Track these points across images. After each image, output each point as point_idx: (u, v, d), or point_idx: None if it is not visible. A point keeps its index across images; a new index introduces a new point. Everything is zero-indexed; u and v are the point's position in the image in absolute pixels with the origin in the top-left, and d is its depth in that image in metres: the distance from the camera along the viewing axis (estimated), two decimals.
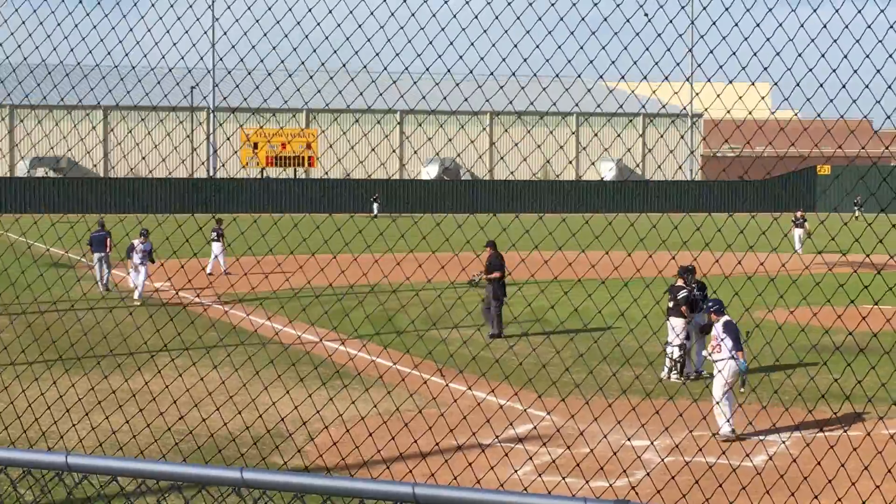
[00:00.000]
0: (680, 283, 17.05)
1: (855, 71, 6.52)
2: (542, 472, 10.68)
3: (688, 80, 7.09)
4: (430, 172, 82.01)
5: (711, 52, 6.66)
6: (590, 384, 13.53)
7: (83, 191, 66.84)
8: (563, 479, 9.74)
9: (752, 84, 6.53)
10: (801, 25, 6.67)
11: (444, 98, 7.70)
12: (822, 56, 6.49)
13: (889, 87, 6.48)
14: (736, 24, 6.62)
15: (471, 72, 7.18)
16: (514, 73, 7.23)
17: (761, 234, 8.38)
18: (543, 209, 65.72)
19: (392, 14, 7.36)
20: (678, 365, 16.74)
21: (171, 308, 19.88)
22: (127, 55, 8.25)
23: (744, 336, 13.38)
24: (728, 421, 12.92)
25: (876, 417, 12.99)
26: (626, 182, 78.54)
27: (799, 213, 42.16)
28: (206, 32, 8.11)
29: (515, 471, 10.02)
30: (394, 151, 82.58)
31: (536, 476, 10.61)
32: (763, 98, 6.84)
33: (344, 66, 7.90)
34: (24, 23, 8.53)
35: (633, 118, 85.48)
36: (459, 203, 71.31)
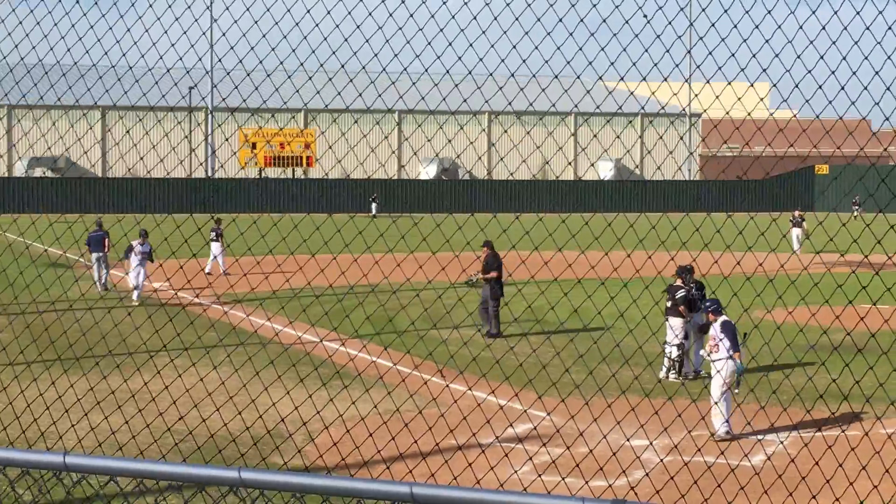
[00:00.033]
0: (678, 282, 17.06)
1: (854, 72, 6.53)
2: (541, 472, 10.69)
3: (687, 81, 7.09)
4: (428, 172, 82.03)
5: (710, 53, 6.67)
6: (589, 384, 13.54)
7: (81, 191, 66.82)
8: (563, 479, 9.75)
9: (751, 85, 6.54)
10: (801, 27, 6.68)
11: (444, 99, 7.71)
12: (821, 58, 6.50)
13: (888, 88, 6.49)
14: (735, 26, 6.63)
15: (470, 72, 7.19)
16: (513, 75, 7.24)
17: (760, 235, 8.39)
18: (542, 209, 65.77)
19: (390, 14, 7.37)
20: (676, 365, 16.75)
21: (171, 308, 19.88)
22: (124, 55, 8.25)
23: (741, 338, 13.39)
24: (726, 421, 12.93)
25: (874, 417, 13.00)
26: (624, 182, 78.60)
27: (797, 213, 42.17)
28: (204, 33, 8.11)
29: (515, 471, 10.03)
30: (393, 153, 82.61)
31: (536, 476, 10.61)
32: (762, 100, 6.86)
33: (343, 66, 7.91)
34: (21, 23, 8.54)
35: (633, 118, 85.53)
36: (458, 203, 71.33)
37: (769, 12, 6.55)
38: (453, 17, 7.25)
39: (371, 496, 3.60)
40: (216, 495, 8.57)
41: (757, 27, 6.66)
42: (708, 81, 6.87)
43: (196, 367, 12.60)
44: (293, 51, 7.74)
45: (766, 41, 6.72)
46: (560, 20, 7.01)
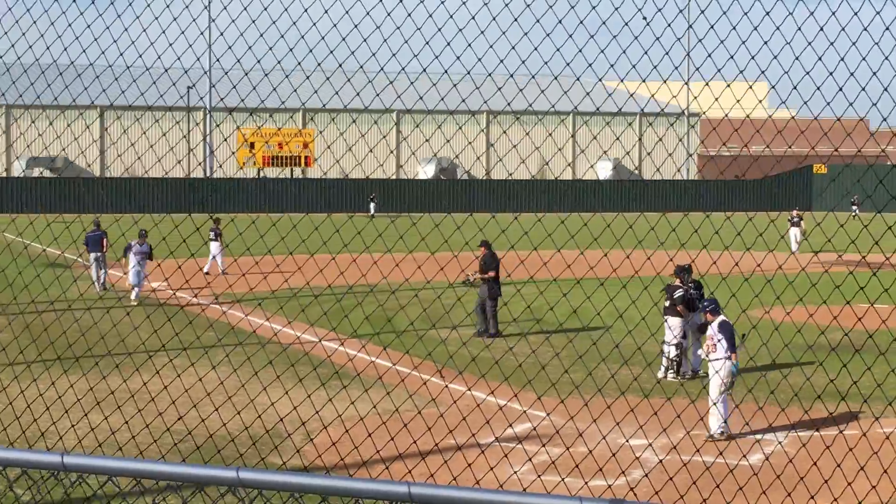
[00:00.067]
0: (676, 282, 17.08)
1: (851, 73, 6.54)
2: (541, 472, 10.70)
3: (686, 84, 7.10)
4: (427, 172, 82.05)
5: (710, 55, 6.67)
6: (588, 385, 13.55)
7: (79, 191, 66.80)
8: (563, 479, 9.76)
9: (751, 87, 6.55)
10: (799, 28, 6.69)
11: (442, 98, 7.72)
12: (820, 59, 6.51)
13: (885, 89, 6.51)
14: (734, 28, 6.64)
15: (468, 73, 7.20)
16: (511, 75, 7.25)
17: (759, 236, 8.40)
18: (541, 209, 65.80)
19: (388, 14, 7.37)
20: (675, 364, 16.76)
21: (169, 308, 19.88)
22: (122, 55, 8.25)
23: (739, 339, 13.39)
24: (724, 422, 12.94)
25: (872, 417, 13.02)
26: (623, 182, 78.68)
27: (795, 212, 42.21)
28: (202, 33, 8.11)
29: (515, 471, 10.04)
30: (392, 152, 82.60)
31: (535, 476, 10.62)
32: (760, 101, 6.87)
33: (340, 66, 7.91)
34: (17, 22, 8.54)
35: (632, 119, 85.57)
36: (456, 203, 71.36)
37: (767, 13, 6.56)
38: (451, 16, 7.26)
39: (369, 496, 3.61)
40: (215, 495, 8.58)
41: (755, 28, 6.67)
42: (707, 83, 6.88)
43: (195, 367, 12.60)
44: (290, 50, 7.75)
45: (765, 42, 6.73)
46: (560, 21, 7.02)
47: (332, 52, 7.71)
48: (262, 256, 12.63)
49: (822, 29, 6.74)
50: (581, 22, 6.94)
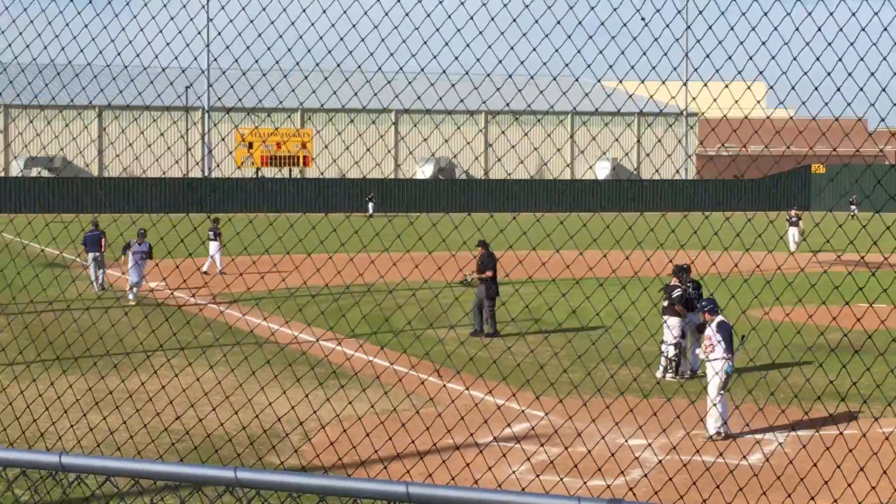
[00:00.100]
0: (675, 281, 17.09)
1: (849, 74, 6.54)
2: (539, 472, 10.70)
3: (685, 84, 7.10)
4: (425, 172, 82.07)
5: (708, 56, 6.67)
6: (587, 385, 13.54)
7: (78, 190, 66.77)
8: (561, 479, 9.76)
9: (749, 88, 6.54)
10: (797, 28, 6.69)
11: (440, 99, 7.71)
12: (818, 59, 6.51)
13: (883, 89, 6.50)
14: (732, 28, 6.64)
15: (466, 73, 7.19)
16: (510, 76, 7.25)
17: (758, 237, 8.40)
18: (539, 208, 65.82)
19: (386, 14, 7.37)
20: (673, 364, 16.77)
21: (167, 308, 19.88)
22: (119, 54, 8.23)
23: (738, 340, 13.38)
24: (724, 423, 12.94)
25: (871, 417, 13.02)
26: (622, 182, 78.70)
27: (793, 212, 42.22)
28: (199, 32, 8.11)
29: (513, 471, 10.04)
30: (389, 152, 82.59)
31: (534, 476, 10.62)
32: (758, 102, 6.87)
33: (338, 66, 7.90)
34: (14, 21, 8.52)
35: (630, 119, 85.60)
36: (455, 202, 71.37)
37: (765, 14, 6.56)
38: (449, 16, 7.26)
39: (367, 496, 3.60)
40: (213, 495, 8.56)
41: (753, 29, 6.67)
42: (706, 84, 6.88)
43: (192, 367, 12.60)
44: (289, 50, 7.74)
45: (763, 43, 6.73)
46: (558, 22, 7.02)
47: (329, 52, 7.71)
48: (259, 256, 12.59)
49: (819, 29, 6.74)
50: (580, 22, 6.94)
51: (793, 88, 6.85)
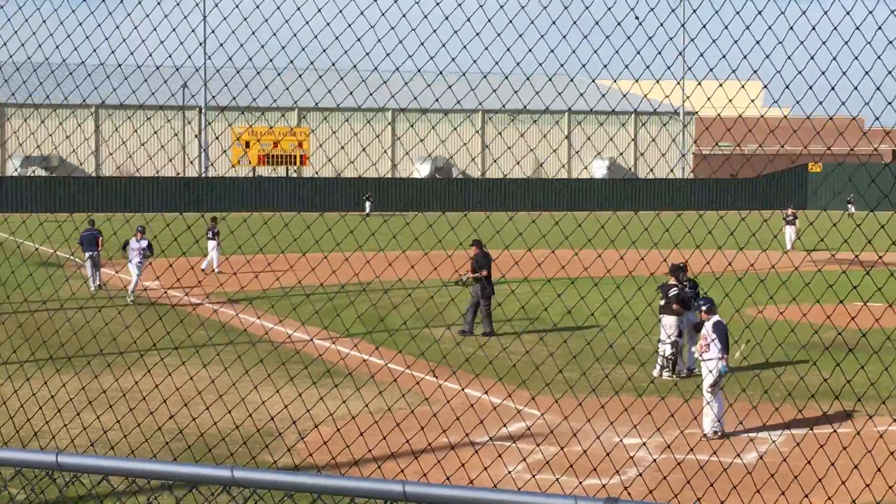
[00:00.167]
0: (671, 280, 17.11)
1: (844, 72, 6.56)
2: (535, 471, 10.70)
3: (678, 83, 7.10)
4: (421, 171, 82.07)
5: (702, 55, 6.68)
6: (583, 384, 13.56)
7: (74, 190, 66.66)
8: (557, 478, 9.76)
9: (743, 86, 6.55)
10: (791, 28, 6.70)
11: (437, 99, 7.72)
12: (812, 58, 6.52)
13: (878, 88, 6.51)
14: (726, 27, 6.65)
15: (463, 74, 7.19)
16: (507, 77, 7.26)
17: (752, 235, 8.42)
18: (536, 207, 65.85)
19: (383, 14, 7.36)
20: (670, 363, 16.78)
21: (161, 307, 19.85)
22: (113, 52, 8.22)
23: (739, 353, 13.38)
24: (718, 421, 12.96)
25: (865, 416, 13.04)
26: (617, 180, 78.74)
27: (790, 211, 42.26)
28: (193, 31, 8.09)
29: (509, 471, 10.05)
30: (385, 152, 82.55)
31: (530, 475, 10.62)
32: (753, 101, 6.88)
33: (333, 65, 7.89)
34: (9, 20, 8.51)
35: (625, 120, 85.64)
36: (451, 202, 71.37)
37: (759, 13, 6.57)
38: (447, 18, 7.26)
39: (365, 495, 3.60)
40: (208, 494, 8.56)
41: (748, 27, 6.68)
42: (699, 84, 6.89)
43: (186, 366, 12.59)
44: (283, 48, 7.73)
45: (757, 42, 6.74)
46: (553, 22, 7.02)
47: (324, 51, 7.70)
48: (253, 255, 12.60)
49: (814, 28, 6.76)
50: (574, 22, 6.94)
51: (787, 87, 6.86)
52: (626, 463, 10.98)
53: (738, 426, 12.89)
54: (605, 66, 6.90)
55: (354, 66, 7.66)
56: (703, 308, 13.98)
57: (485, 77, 7.35)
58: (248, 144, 75.70)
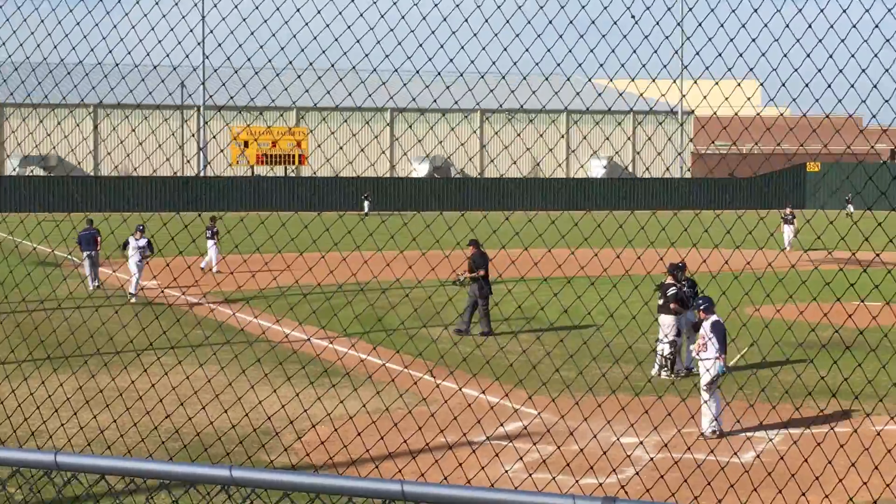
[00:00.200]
0: (670, 280, 17.12)
1: (840, 70, 6.56)
2: (532, 471, 10.71)
3: (674, 81, 7.12)
4: (419, 171, 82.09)
5: (697, 53, 6.69)
6: (580, 383, 13.56)
7: (72, 189, 66.63)
8: (554, 477, 9.77)
9: (739, 85, 6.56)
10: (787, 25, 6.71)
11: (435, 100, 7.74)
12: (808, 56, 6.53)
13: (875, 86, 6.53)
14: (721, 25, 6.66)
15: (461, 75, 7.20)
16: (503, 77, 7.27)
17: (748, 234, 8.43)
18: (534, 206, 65.84)
19: (382, 15, 7.37)
20: (668, 362, 16.79)
21: (157, 306, 19.85)
22: (111, 52, 8.22)
23: (738, 357, 13.39)
24: (715, 419, 12.97)
25: (863, 414, 13.06)
26: (615, 180, 78.77)
27: (788, 210, 42.28)
28: (191, 30, 8.09)
29: (506, 470, 10.05)
30: (383, 152, 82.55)
31: (527, 474, 10.63)
32: (748, 99, 6.89)
33: (332, 66, 7.90)
34: (7, 20, 8.50)
35: (622, 119, 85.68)
36: (450, 201, 71.39)
37: (755, 11, 6.58)
38: (445, 19, 7.27)
39: (363, 494, 3.60)
40: (204, 493, 8.56)
41: (743, 26, 6.69)
42: (695, 82, 6.89)
43: (182, 366, 12.59)
44: (282, 48, 7.74)
45: (753, 40, 6.75)
46: (550, 22, 7.04)
47: (323, 52, 7.70)
48: (250, 254, 12.56)
49: (810, 26, 6.76)
50: (571, 21, 6.95)
51: (783, 85, 6.87)
52: (623, 462, 10.99)
53: (736, 425, 12.90)
54: (601, 65, 6.91)
55: (353, 67, 7.67)
56: (702, 307, 13.99)
57: (482, 77, 7.37)
58: (246, 144, 75.68)
